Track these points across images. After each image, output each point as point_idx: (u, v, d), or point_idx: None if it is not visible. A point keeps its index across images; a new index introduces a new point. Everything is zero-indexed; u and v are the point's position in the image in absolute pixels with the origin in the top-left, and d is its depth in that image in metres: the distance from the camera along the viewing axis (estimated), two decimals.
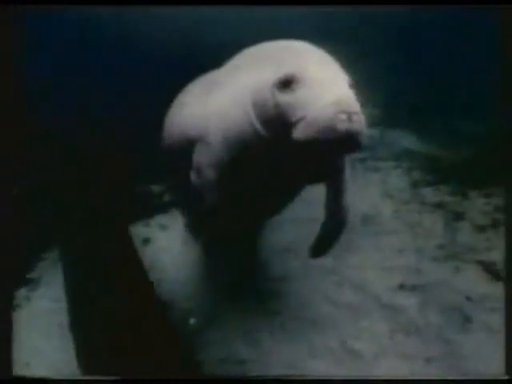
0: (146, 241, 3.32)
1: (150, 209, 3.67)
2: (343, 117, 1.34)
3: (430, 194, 3.99)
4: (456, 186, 4.06)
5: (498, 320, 2.45)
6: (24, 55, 1.90)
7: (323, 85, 1.43)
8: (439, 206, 3.75)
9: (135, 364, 1.83)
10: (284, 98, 1.47)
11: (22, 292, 2.84)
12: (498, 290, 2.71)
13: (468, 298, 2.65)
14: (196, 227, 3.25)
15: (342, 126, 1.34)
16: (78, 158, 3.28)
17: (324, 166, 1.88)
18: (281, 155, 1.62)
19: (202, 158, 1.82)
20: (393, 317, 2.58)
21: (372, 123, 5.91)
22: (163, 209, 3.72)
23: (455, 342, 2.38)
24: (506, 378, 1.90)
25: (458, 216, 3.55)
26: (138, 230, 3.37)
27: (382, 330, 2.51)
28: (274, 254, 3.22)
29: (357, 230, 3.46)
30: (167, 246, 3.29)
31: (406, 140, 5.49)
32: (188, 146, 1.94)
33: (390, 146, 5.35)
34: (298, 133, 1.41)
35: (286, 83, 1.47)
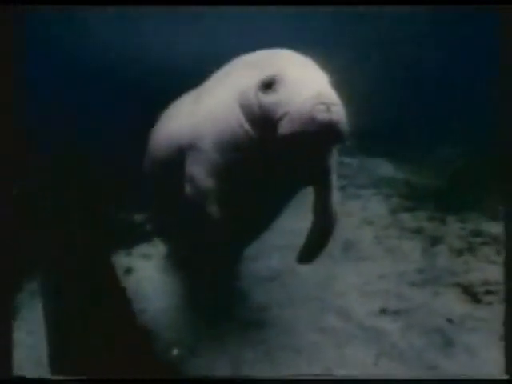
0: (129, 270, 3.28)
1: (132, 238, 3.64)
2: (322, 108, 1.41)
3: (408, 219, 4.09)
4: (433, 211, 4.19)
5: (478, 340, 2.50)
6: (24, 55, 1.90)
7: (303, 82, 1.51)
8: (418, 231, 3.85)
9: None
10: (267, 98, 1.56)
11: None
12: (477, 311, 2.77)
13: (449, 320, 2.69)
14: (177, 257, 3.24)
15: (322, 116, 1.41)
16: (60, 184, 3.26)
17: (312, 166, 1.90)
18: (271, 155, 1.67)
19: (195, 165, 1.83)
20: (376, 341, 2.59)
21: (351, 153, 6.09)
22: (145, 238, 3.71)
23: (438, 364, 2.40)
24: (506, 378, 1.92)
25: (436, 240, 3.65)
26: (121, 260, 3.34)
27: (366, 355, 2.52)
28: (257, 282, 3.22)
29: (338, 257, 3.51)
30: (149, 276, 3.26)
31: (384, 168, 5.66)
32: (178, 156, 1.94)
33: (369, 173, 5.51)
34: (282, 128, 1.48)
35: (268, 85, 1.56)
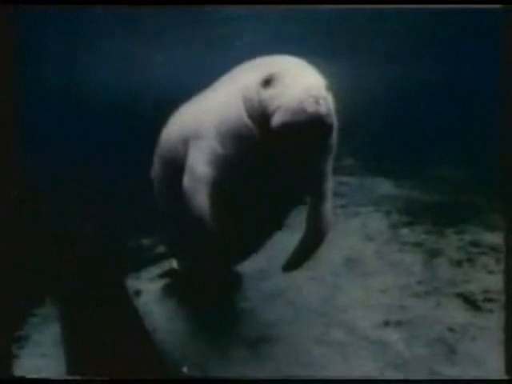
0: (137, 293, 3.36)
1: (141, 262, 3.74)
2: (311, 100, 1.54)
3: (408, 234, 4.19)
4: (432, 225, 4.29)
5: (480, 348, 2.56)
6: (24, 55, 1.95)
7: (297, 79, 1.65)
8: (418, 244, 3.94)
9: None
10: (266, 93, 1.70)
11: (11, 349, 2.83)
12: (477, 319, 2.84)
13: (450, 329, 2.76)
14: (184, 276, 3.31)
15: (311, 108, 1.53)
16: (71, 210, 3.39)
17: (308, 168, 1.95)
18: (268, 151, 1.76)
19: (196, 154, 1.91)
20: (381, 353, 2.65)
21: (350, 172, 6.23)
22: (153, 262, 3.80)
23: (443, 373, 2.46)
24: (505, 378, 1.95)
25: (436, 253, 3.73)
26: (130, 283, 3.42)
27: (372, 366, 2.57)
28: (264, 300, 3.29)
29: (342, 273, 3.59)
30: (157, 298, 3.34)
31: (383, 185, 5.79)
32: (183, 148, 2.02)
33: (369, 191, 5.63)
34: (275, 119, 1.61)
35: (268, 81, 1.70)
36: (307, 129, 1.57)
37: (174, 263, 3.30)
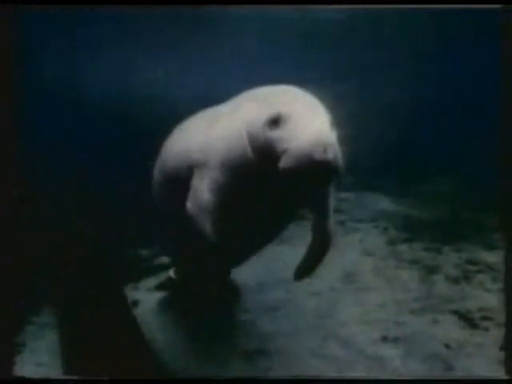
0: (135, 303, 3.38)
1: (139, 272, 3.76)
2: (320, 149, 1.58)
3: (406, 250, 4.23)
4: (430, 242, 4.33)
5: (476, 365, 2.58)
6: (24, 55, 1.94)
7: (305, 122, 1.70)
8: (415, 261, 3.98)
9: None
10: (272, 133, 1.74)
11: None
12: (473, 337, 2.86)
13: (447, 346, 2.77)
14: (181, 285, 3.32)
15: (318, 156, 1.58)
16: (69, 217, 3.42)
17: (309, 193, 2.09)
18: (271, 183, 1.82)
19: (200, 181, 2.00)
20: (377, 368, 2.66)
21: (349, 188, 6.29)
22: (151, 272, 3.82)
23: None
24: (505, 378, 1.97)
25: (433, 270, 3.76)
26: (128, 293, 3.43)
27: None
28: (262, 313, 3.31)
29: (339, 288, 3.62)
30: (155, 308, 3.35)
31: (381, 202, 5.84)
32: (187, 172, 2.09)
33: (367, 208, 5.68)
34: (283, 163, 1.66)
35: (275, 121, 1.74)
36: (314, 175, 1.64)
37: (172, 273, 3.32)
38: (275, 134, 1.73)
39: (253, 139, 1.82)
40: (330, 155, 1.59)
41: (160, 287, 3.53)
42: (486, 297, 3.31)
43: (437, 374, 2.58)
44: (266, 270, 3.14)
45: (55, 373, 2.55)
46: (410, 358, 2.73)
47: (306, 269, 2.45)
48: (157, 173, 2.58)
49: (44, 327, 3.07)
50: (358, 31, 7.06)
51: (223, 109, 2.17)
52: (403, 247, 4.29)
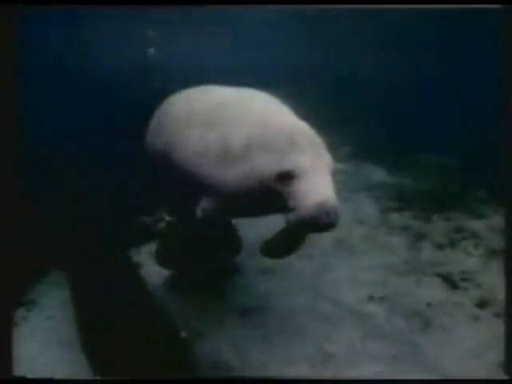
0: (138, 265, 3.57)
1: (141, 238, 3.96)
2: (324, 215, 1.83)
3: (397, 218, 4.40)
4: (420, 210, 4.50)
5: (453, 321, 2.80)
6: (23, 55, 1.97)
7: (313, 189, 1.89)
8: (405, 228, 4.16)
9: (136, 363, 2.11)
10: (281, 186, 1.96)
11: (20, 312, 3.06)
12: (453, 296, 3.07)
13: (428, 305, 2.99)
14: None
15: (322, 220, 1.83)
16: (77, 188, 3.57)
17: None
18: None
19: (210, 201, 2.34)
20: (363, 324, 2.89)
21: (346, 160, 6.41)
22: (153, 238, 4.00)
23: (417, 342, 2.69)
24: (505, 378, 2.07)
25: (421, 236, 3.96)
26: (131, 256, 3.64)
27: (354, 335, 2.81)
28: (257, 274, 3.51)
29: (331, 252, 3.81)
30: (157, 271, 3.55)
31: (377, 173, 5.98)
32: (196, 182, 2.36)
33: (363, 179, 5.82)
34: (289, 216, 1.94)
35: (285, 177, 1.95)
36: (315, 230, 1.93)
37: (168, 216, 3.48)
38: (285, 188, 1.95)
39: (264, 189, 2.04)
40: (332, 218, 1.83)
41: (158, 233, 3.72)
42: (468, 261, 3.52)
43: (417, 329, 2.80)
44: (259, 236, 3.29)
45: (66, 327, 2.76)
46: (393, 315, 2.94)
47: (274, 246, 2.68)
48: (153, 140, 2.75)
49: (51, 285, 3.29)
50: (357, 31, 7.06)
51: (234, 149, 2.21)
52: (395, 215, 4.46)
